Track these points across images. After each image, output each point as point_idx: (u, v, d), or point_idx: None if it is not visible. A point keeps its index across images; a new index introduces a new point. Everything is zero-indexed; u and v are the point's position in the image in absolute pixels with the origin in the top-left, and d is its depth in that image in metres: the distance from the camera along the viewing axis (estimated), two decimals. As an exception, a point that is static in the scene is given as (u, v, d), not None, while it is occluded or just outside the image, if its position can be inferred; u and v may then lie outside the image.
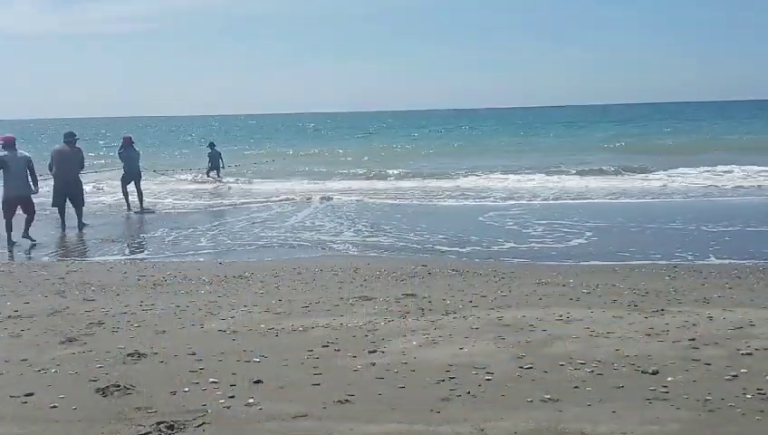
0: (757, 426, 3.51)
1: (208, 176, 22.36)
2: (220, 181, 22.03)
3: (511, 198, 16.86)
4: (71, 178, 13.07)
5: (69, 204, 13.16)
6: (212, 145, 22.94)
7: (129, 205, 16.07)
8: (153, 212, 15.87)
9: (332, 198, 17.14)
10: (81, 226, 13.00)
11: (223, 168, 22.52)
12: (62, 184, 13.06)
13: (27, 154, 11.77)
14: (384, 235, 11.56)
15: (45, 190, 13.29)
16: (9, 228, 11.38)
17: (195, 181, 22.57)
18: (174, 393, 4.11)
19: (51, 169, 13.12)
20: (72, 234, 12.55)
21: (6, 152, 11.43)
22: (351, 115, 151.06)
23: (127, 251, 10.88)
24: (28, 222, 11.62)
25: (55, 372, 4.57)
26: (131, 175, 16.16)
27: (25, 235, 11.51)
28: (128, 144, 16.41)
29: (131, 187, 16.19)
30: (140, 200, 16.25)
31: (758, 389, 3.95)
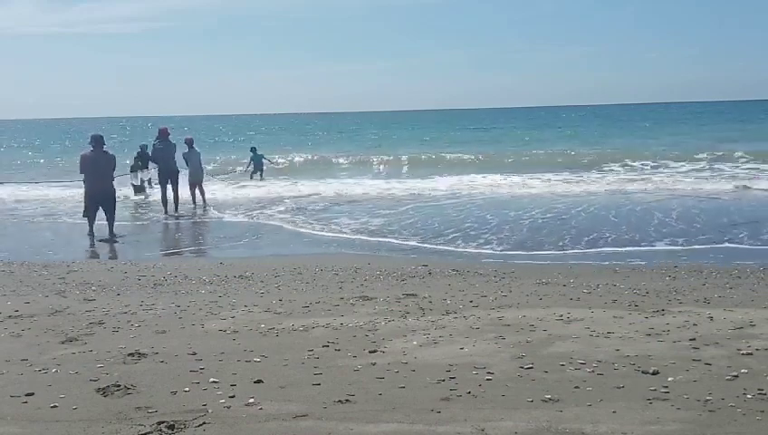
0: (757, 426, 3.50)
1: (251, 178, 22.66)
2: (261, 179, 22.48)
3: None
4: (104, 186, 12.27)
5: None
6: (254, 149, 23.82)
7: (195, 202, 15.79)
8: (183, 214, 15.22)
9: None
10: (112, 236, 12.12)
11: (264, 169, 23.18)
12: (94, 192, 12.28)
13: (199, 150, 16.75)
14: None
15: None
16: (194, 200, 16.41)
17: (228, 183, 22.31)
18: (174, 393, 4.11)
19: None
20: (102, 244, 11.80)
21: (187, 150, 16.26)
22: (348, 115, 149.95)
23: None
24: (202, 194, 16.57)
25: (56, 371, 4.57)
26: (167, 173, 14.97)
27: (204, 205, 16.24)
28: (164, 137, 14.98)
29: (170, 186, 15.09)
30: (176, 202, 15.26)
31: (758, 389, 3.95)
